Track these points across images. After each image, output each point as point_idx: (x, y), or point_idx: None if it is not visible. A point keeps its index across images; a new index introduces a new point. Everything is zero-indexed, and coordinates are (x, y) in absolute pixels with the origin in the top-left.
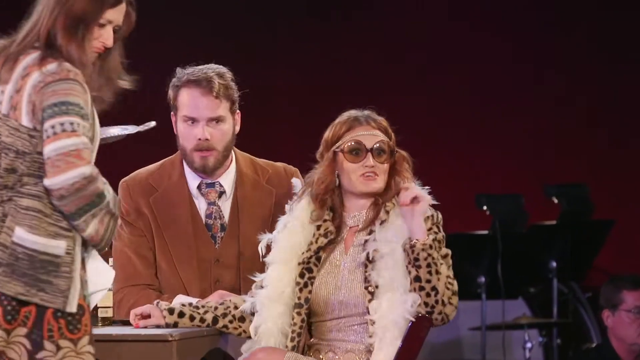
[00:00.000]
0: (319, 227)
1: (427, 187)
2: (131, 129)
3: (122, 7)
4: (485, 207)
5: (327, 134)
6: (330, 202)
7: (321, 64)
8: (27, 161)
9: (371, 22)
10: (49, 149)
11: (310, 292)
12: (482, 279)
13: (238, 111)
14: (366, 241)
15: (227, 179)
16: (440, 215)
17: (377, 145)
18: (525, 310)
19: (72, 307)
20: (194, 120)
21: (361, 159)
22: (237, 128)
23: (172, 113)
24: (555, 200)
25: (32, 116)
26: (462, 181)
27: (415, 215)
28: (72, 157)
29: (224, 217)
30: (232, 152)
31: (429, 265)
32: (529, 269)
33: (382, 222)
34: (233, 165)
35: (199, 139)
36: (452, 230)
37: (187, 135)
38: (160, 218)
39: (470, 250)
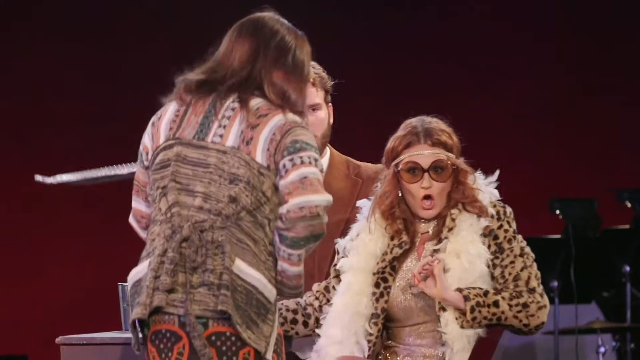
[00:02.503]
0: (392, 238)
1: (493, 182)
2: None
3: None
4: (558, 212)
5: (388, 146)
6: (400, 212)
7: (391, 63)
8: (252, 196)
9: (440, 25)
10: (293, 175)
11: (386, 301)
12: (555, 284)
13: (330, 103)
14: (435, 251)
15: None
16: (509, 209)
17: (434, 164)
18: (598, 315)
19: (269, 355)
20: None
21: (418, 179)
22: (331, 120)
23: None
24: (629, 205)
25: (267, 155)
26: (536, 185)
27: (439, 292)
28: (316, 183)
29: None
30: (328, 146)
31: (487, 320)
32: (602, 273)
33: (449, 230)
34: (327, 158)
35: None
36: (525, 234)
37: None
38: None
39: (543, 254)
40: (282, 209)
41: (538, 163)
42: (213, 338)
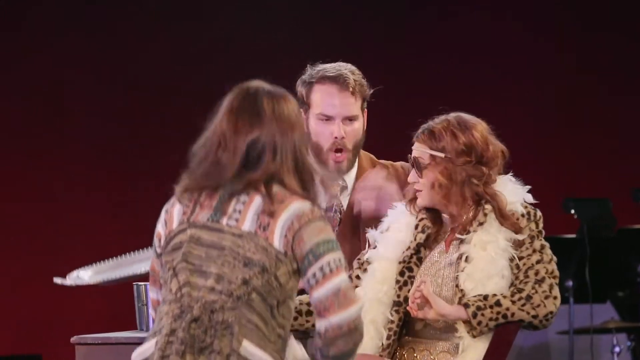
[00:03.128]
0: (416, 226)
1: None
2: None
3: None
4: (573, 211)
5: None
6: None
7: (392, 63)
8: (265, 279)
9: (464, 23)
10: (326, 289)
11: (409, 290)
12: (570, 283)
13: (366, 109)
14: (461, 242)
15: (349, 175)
16: (539, 213)
17: (414, 160)
18: (613, 315)
19: None
20: (328, 118)
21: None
22: (365, 127)
23: (301, 110)
24: None
25: (285, 242)
26: (550, 185)
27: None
28: (350, 292)
29: (343, 210)
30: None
31: (493, 320)
32: (617, 272)
33: (480, 224)
34: (354, 169)
35: (335, 137)
36: None
37: (321, 133)
38: None
39: (558, 254)
40: (320, 327)
41: (553, 162)
42: None
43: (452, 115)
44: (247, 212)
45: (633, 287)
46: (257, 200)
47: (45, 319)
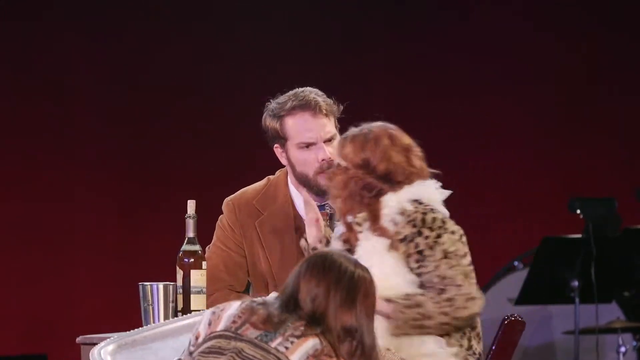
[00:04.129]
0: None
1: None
2: None
3: None
4: (578, 211)
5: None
6: None
7: (416, 66)
8: None
9: (466, 24)
10: None
11: None
12: (575, 283)
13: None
14: None
15: None
16: (430, 216)
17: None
18: (619, 314)
19: None
20: (309, 145)
21: None
22: None
23: (275, 145)
24: None
25: None
26: (556, 185)
27: None
28: None
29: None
30: None
31: (415, 321)
32: (622, 272)
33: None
34: None
35: (322, 160)
36: (545, 234)
37: (305, 161)
38: (266, 242)
39: (564, 253)
40: None
41: (557, 162)
42: None
43: (375, 125)
44: (299, 345)
45: (638, 286)
46: (311, 342)
47: (50, 319)
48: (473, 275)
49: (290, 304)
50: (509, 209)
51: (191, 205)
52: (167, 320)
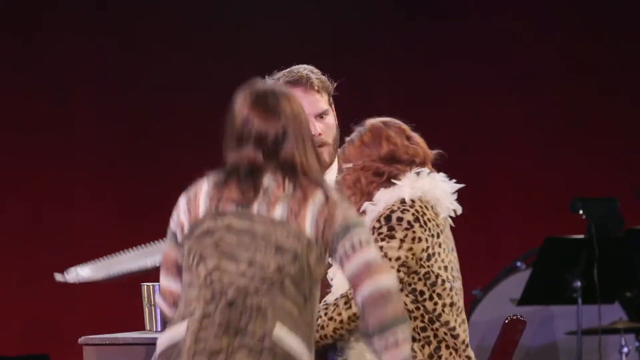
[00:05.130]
0: None
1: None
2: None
3: None
4: (581, 211)
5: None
6: None
7: (419, 66)
8: (297, 267)
9: (467, 27)
10: (355, 262)
11: None
12: (578, 283)
13: (332, 103)
14: None
15: (332, 169)
16: (395, 216)
17: None
18: (621, 315)
19: None
20: None
21: None
22: (336, 120)
23: None
24: None
25: (316, 229)
26: (558, 185)
27: None
28: (378, 264)
29: None
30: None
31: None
32: (625, 273)
33: None
34: (335, 163)
35: (313, 135)
36: (548, 234)
37: None
38: None
39: (566, 254)
40: (357, 301)
41: (559, 163)
42: None
43: (367, 121)
44: (277, 201)
45: None
46: (287, 189)
47: (52, 319)
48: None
49: (253, 167)
50: (512, 210)
51: None
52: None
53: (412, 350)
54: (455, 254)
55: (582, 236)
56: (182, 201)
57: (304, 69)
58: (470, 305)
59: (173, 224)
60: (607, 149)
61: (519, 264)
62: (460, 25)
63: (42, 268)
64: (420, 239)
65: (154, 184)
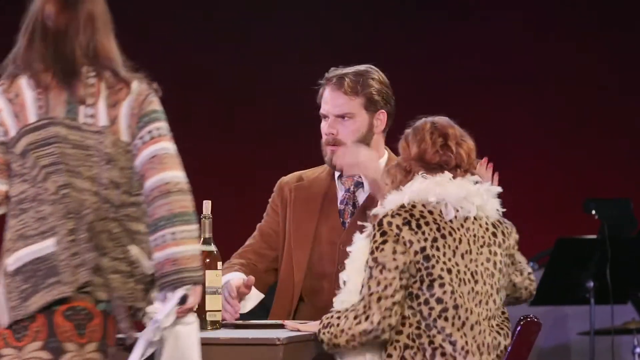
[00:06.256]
0: None
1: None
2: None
3: None
4: (594, 212)
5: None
6: None
7: (419, 66)
8: (125, 176)
9: (467, 27)
10: (148, 151)
11: None
12: (591, 284)
13: (382, 110)
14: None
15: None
16: (385, 221)
17: None
18: (634, 315)
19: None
20: (325, 116)
21: None
22: (381, 127)
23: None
24: None
25: (130, 132)
26: (571, 186)
27: None
28: (169, 159)
29: (357, 204)
30: (386, 151)
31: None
32: (638, 273)
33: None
34: (383, 162)
35: (326, 134)
36: (560, 234)
37: (322, 130)
38: (294, 201)
39: (579, 254)
40: (144, 189)
41: (572, 163)
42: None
43: (426, 119)
44: (97, 107)
45: None
46: (102, 94)
47: None
48: (380, 301)
49: (68, 65)
50: (524, 210)
51: (207, 205)
52: None
53: (403, 358)
54: (479, 258)
55: (594, 236)
56: (1, 101)
57: (352, 70)
58: None
59: None
60: (621, 149)
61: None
62: (460, 25)
63: None
64: (411, 242)
65: None
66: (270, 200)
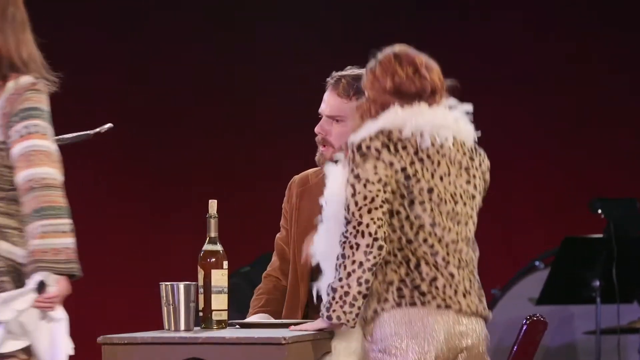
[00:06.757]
0: None
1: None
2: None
3: None
4: (600, 211)
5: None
6: None
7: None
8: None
9: (467, 26)
10: (22, 146)
11: None
12: (597, 283)
13: None
14: None
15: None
16: (363, 145)
17: None
18: None
19: None
20: (321, 116)
21: None
22: None
23: None
24: None
25: (3, 131)
26: (577, 185)
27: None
28: (43, 156)
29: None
30: None
31: (352, 304)
32: None
33: None
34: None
35: (316, 132)
36: (566, 234)
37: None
38: (300, 206)
39: (585, 254)
40: (16, 182)
41: (578, 162)
42: None
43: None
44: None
45: None
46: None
47: (71, 318)
48: (371, 212)
49: None
50: (530, 209)
51: (212, 205)
52: None
53: (384, 274)
54: (458, 180)
55: (601, 236)
56: None
57: (351, 71)
58: (489, 304)
59: None
60: (627, 148)
61: (537, 263)
62: (460, 25)
63: None
64: (392, 162)
65: (175, 183)
66: (282, 204)
